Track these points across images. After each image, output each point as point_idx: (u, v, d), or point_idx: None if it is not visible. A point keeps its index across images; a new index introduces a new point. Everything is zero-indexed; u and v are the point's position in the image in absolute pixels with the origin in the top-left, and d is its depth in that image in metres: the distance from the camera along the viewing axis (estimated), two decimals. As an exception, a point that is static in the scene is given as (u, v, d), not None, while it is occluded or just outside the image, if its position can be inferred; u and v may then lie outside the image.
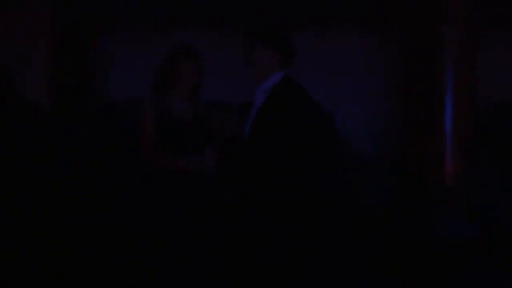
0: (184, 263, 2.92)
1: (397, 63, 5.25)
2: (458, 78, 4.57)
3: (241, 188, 2.87)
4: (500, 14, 6.32)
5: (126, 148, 5.86)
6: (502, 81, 6.61)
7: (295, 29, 6.51)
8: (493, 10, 6.00)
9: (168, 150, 2.93)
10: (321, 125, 3.01)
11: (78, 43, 7.23)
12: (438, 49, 4.63)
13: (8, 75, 4.37)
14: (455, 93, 4.54)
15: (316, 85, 6.53)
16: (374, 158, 5.83)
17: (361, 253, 4.04)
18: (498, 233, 3.71)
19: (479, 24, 4.93)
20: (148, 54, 7.32)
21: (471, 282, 3.25)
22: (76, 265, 3.76)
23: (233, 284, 3.02)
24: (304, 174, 2.80)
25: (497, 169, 4.88)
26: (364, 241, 4.19)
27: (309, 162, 2.82)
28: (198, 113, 3.04)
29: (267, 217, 2.75)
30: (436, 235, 3.83)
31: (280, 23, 3.14)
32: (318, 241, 3.07)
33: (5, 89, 4.25)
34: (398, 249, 3.86)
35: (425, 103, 4.68)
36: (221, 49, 7.09)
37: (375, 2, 6.42)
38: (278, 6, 6.69)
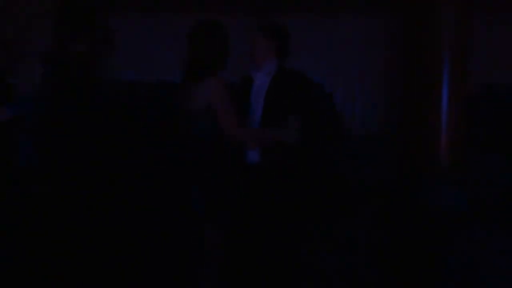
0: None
1: (395, 42, 5.43)
2: (454, 58, 4.80)
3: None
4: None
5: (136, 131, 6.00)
6: (491, 64, 6.85)
7: (295, 12, 6.73)
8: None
9: None
10: (323, 104, 3.48)
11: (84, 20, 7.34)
12: (435, 28, 4.83)
13: None
14: (451, 71, 4.77)
15: (315, 65, 6.74)
16: (373, 136, 6.06)
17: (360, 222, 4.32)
18: (484, 204, 4.00)
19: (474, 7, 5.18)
20: (152, 37, 7.49)
21: (459, 244, 3.54)
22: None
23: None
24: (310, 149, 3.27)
25: (486, 148, 5.15)
26: (363, 212, 4.46)
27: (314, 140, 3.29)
28: None
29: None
30: (429, 205, 4.10)
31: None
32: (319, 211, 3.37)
33: None
34: (395, 218, 4.13)
35: (422, 82, 4.90)
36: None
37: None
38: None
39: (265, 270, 3.22)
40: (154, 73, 7.19)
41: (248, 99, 3.34)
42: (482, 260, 3.36)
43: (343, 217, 4.40)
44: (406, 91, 5.07)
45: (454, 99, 4.78)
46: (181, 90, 3.19)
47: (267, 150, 3.20)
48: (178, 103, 3.21)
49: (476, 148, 5.05)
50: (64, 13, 3.09)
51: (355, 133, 6.26)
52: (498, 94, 6.49)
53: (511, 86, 6.66)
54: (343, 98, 6.57)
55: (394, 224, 4.22)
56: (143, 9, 7.30)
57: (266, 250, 3.21)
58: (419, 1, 5.02)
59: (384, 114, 6.49)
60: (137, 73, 7.21)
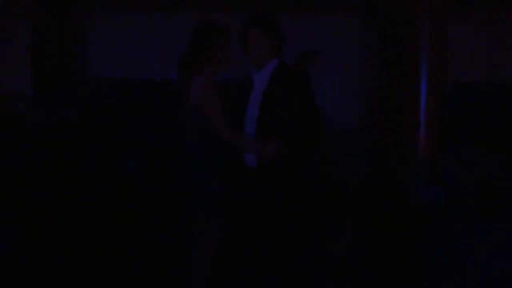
0: None
1: (374, 42, 5.56)
2: (432, 57, 4.94)
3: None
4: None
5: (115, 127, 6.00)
6: (464, 64, 7.05)
7: (276, 10, 6.80)
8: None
9: None
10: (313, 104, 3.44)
11: (60, 17, 7.29)
12: (413, 29, 4.96)
13: None
14: (429, 70, 4.90)
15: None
16: (352, 132, 6.17)
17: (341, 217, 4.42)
18: (459, 199, 4.15)
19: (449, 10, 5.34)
20: (127, 34, 7.47)
21: (435, 236, 3.68)
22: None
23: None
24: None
25: (460, 145, 5.31)
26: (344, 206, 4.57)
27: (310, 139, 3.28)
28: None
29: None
30: (407, 199, 4.24)
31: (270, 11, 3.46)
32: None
33: None
34: (375, 211, 4.25)
35: (401, 81, 5.02)
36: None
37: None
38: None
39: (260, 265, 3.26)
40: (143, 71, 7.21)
41: (247, 100, 3.26)
42: (461, 251, 3.49)
43: (330, 214, 4.50)
44: (385, 89, 5.20)
45: (432, 97, 4.92)
46: (181, 88, 3.24)
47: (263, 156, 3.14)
48: (179, 100, 3.28)
49: (454, 143, 5.20)
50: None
51: (334, 130, 6.36)
52: (474, 92, 6.69)
53: (486, 84, 6.89)
54: (323, 96, 6.67)
55: (374, 217, 4.33)
56: (134, 8, 7.30)
57: (262, 247, 3.23)
58: (398, 2, 5.15)
59: (364, 111, 6.61)
60: (126, 71, 7.22)
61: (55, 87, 6.88)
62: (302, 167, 3.23)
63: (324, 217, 4.46)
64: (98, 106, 6.65)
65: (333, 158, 5.31)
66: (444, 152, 4.88)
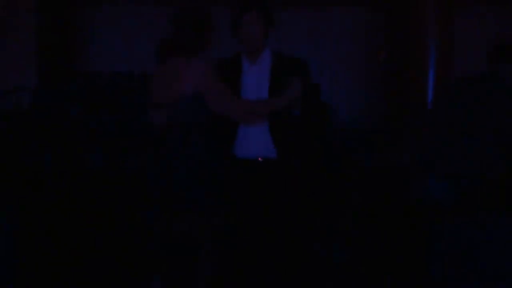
0: None
1: (381, 34, 5.52)
2: (439, 49, 4.91)
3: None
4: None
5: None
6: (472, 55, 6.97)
7: (282, 4, 6.78)
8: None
9: None
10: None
11: (62, 14, 7.30)
12: (419, 19, 4.94)
13: None
14: (436, 62, 4.88)
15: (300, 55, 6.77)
16: (356, 124, 6.14)
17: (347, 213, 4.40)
18: (468, 195, 4.10)
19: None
20: (129, 28, 7.47)
21: (443, 235, 3.64)
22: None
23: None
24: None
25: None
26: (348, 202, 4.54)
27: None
28: None
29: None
30: (414, 196, 4.20)
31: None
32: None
33: None
34: (381, 207, 4.22)
35: (408, 73, 5.00)
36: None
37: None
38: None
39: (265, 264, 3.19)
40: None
41: (236, 88, 3.09)
42: (471, 250, 3.45)
43: (333, 210, 4.47)
44: (392, 81, 5.18)
45: (439, 89, 4.89)
46: (157, 75, 3.09)
47: (282, 146, 3.06)
48: (154, 88, 3.12)
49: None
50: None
51: (340, 125, 6.35)
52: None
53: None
54: (329, 90, 6.64)
55: (382, 217, 4.31)
56: (140, 2, 7.28)
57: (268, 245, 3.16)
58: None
59: (370, 105, 6.58)
60: (131, 64, 7.18)
61: (59, 81, 6.89)
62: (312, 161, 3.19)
63: (326, 214, 4.43)
64: (103, 100, 6.64)
65: (337, 151, 5.27)
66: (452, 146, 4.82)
